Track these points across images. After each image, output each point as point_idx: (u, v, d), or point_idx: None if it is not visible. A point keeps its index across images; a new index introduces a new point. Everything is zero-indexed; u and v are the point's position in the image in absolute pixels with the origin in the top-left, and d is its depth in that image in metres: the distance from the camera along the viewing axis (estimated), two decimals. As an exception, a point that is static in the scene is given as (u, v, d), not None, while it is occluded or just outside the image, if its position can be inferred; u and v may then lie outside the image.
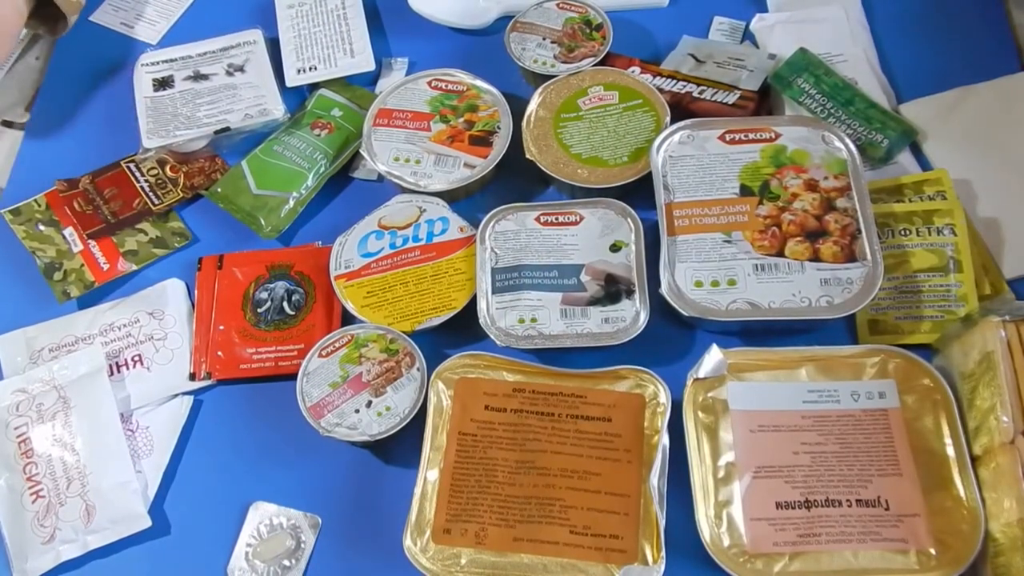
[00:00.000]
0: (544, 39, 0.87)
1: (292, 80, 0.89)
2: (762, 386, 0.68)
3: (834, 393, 0.67)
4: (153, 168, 0.85)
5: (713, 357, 0.67)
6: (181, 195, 0.84)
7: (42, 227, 0.83)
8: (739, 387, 0.68)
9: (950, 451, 0.64)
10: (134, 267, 0.82)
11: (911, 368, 0.67)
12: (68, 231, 0.83)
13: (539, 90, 0.83)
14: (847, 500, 0.63)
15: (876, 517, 0.62)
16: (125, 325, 0.78)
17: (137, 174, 0.85)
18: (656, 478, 0.64)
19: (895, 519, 0.62)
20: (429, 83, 0.85)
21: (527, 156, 0.80)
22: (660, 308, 0.72)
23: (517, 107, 0.83)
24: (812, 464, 0.65)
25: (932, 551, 0.61)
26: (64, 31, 0.93)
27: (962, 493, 0.63)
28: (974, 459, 0.63)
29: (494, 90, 0.84)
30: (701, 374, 0.68)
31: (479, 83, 0.85)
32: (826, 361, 0.68)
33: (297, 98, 0.89)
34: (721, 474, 0.65)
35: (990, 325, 0.64)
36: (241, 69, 0.89)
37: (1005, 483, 0.60)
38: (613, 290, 0.72)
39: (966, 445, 0.64)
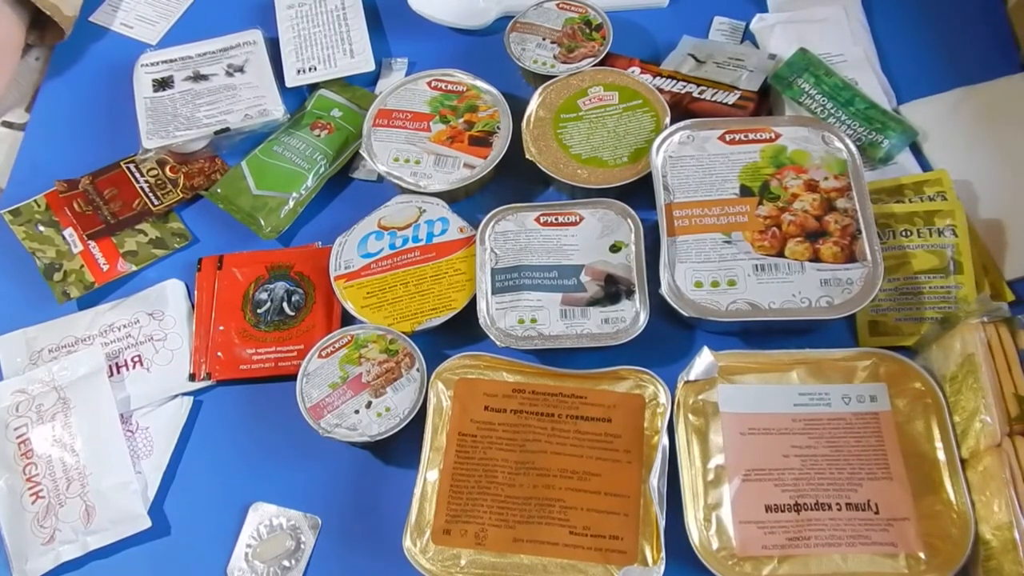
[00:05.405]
0: (544, 39, 0.87)
1: (292, 80, 0.89)
2: (753, 389, 0.68)
3: (825, 396, 0.67)
4: (153, 169, 0.85)
5: (704, 359, 0.67)
6: (181, 196, 0.84)
7: (42, 228, 0.83)
8: (729, 390, 0.68)
9: (940, 455, 0.64)
10: (134, 268, 0.81)
11: (902, 371, 0.67)
12: (68, 232, 0.83)
13: (539, 90, 0.83)
14: (837, 503, 0.63)
15: (866, 521, 0.62)
16: (125, 326, 0.78)
17: (137, 175, 0.85)
18: (656, 479, 0.64)
19: (884, 523, 0.62)
20: (429, 83, 0.85)
21: (527, 156, 0.80)
22: (660, 308, 0.72)
23: (517, 107, 0.83)
24: (802, 467, 0.64)
25: (921, 555, 0.61)
26: (53, 40, 0.94)
27: (952, 497, 0.62)
28: (962, 462, 0.63)
29: (494, 90, 0.84)
30: (691, 376, 0.68)
31: (479, 83, 0.85)
32: (817, 364, 0.68)
33: (297, 98, 0.89)
34: (711, 477, 0.65)
35: (969, 327, 0.64)
36: (241, 69, 0.89)
37: (994, 486, 0.60)
38: (613, 290, 0.72)
39: (956, 449, 0.64)
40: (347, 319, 0.77)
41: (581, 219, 0.76)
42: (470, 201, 0.82)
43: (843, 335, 0.73)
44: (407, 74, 0.91)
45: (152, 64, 0.91)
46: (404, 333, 0.72)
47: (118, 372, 0.76)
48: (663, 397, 0.68)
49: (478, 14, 0.92)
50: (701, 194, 0.74)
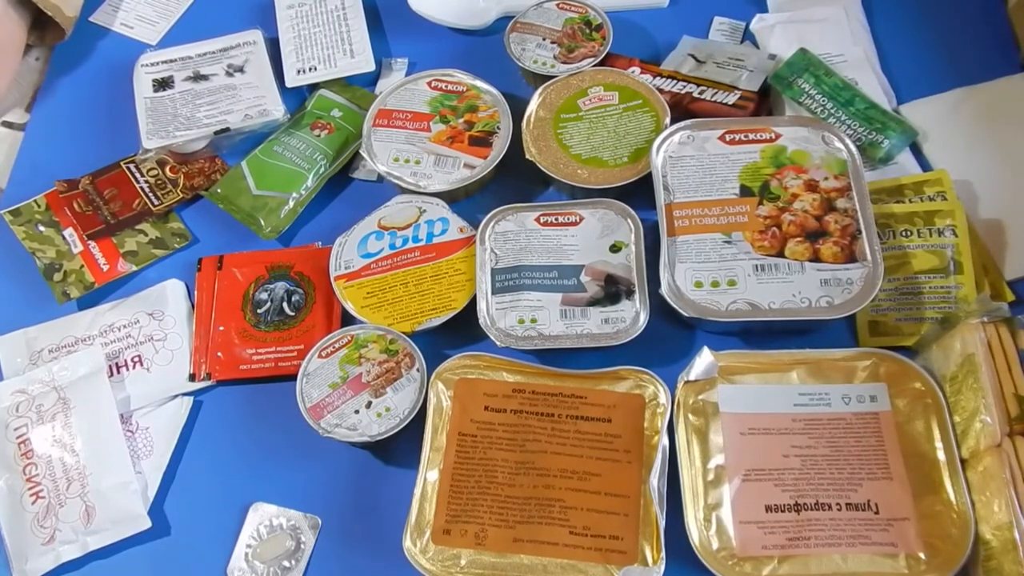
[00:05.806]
0: (544, 39, 0.87)
1: (292, 81, 0.89)
2: (753, 389, 0.68)
3: (825, 396, 0.67)
4: (153, 169, 0.85)
5: (704, 359, 0.67)
6: (181, 196, 0.84)
7: (42, 228, 0.83)
8: (729, 390, 0.68)
9: (940, 455, 0.64)
10: (134, 268, 0.81)
11: (902, 371, 0.67)
12: (68, 232, 0.83)
13: (539, 90, 0.83)
14: (837, 503, 0.63)
15: (866, 521, 0.62)
16: (125, 326, 0.78)
17: (137, 175, 0.85)
18: (656, 479, 0.64)
19: (884, 523, 0.62)
20: (429, 83, 0.85)
21: (527, 156, 0.80)
22: (660, 308, 0.72)
23: (517, 107, 0.83)
24: (802, 467, 0.64)
25: (921, 555, 0.61)
26: (53, 40, 0.94)
27: (952, 497, 0.62)
28: (962, 462, 0.63)
29: (494, 90, 0.84)
30: (691, 376, 0.68)
31: (479, 83, 0.85)
32: (817, 364, 0.68)
33: (297, 99, 0.89)
34: (711, 477, 0.65)
35: (969, 327, 0.64)
36: (241, 70, 0.89)
37: (994, 486, 0.60)
38: (613, 291, 0.72)
39: (956, 449, 0.64)
40: (347, 319, 0.77)
41: (581, 219, 0.76)
42: (470, 201, 0.82)
43: (843, 335, 0.73)
44: (407, 74, 0.91)
45: (152, 64, 0.91)
46: (404, 333, 0.72)
47: (118, 372, 0.76)
48: (663, 397, 0.68)
49: (478, 14, 0.92)
50: (701, 194, 0.74)
